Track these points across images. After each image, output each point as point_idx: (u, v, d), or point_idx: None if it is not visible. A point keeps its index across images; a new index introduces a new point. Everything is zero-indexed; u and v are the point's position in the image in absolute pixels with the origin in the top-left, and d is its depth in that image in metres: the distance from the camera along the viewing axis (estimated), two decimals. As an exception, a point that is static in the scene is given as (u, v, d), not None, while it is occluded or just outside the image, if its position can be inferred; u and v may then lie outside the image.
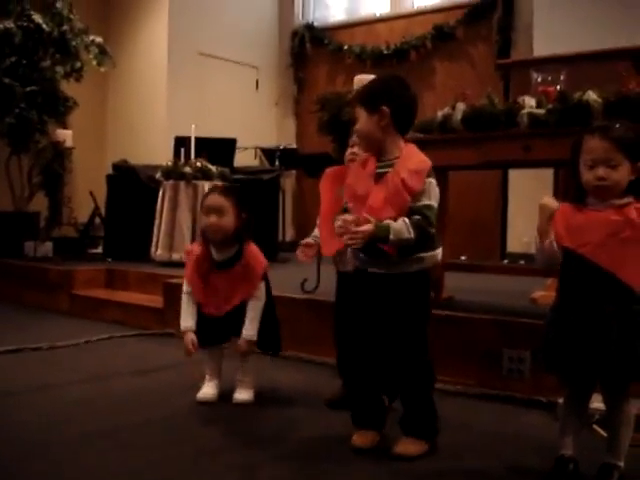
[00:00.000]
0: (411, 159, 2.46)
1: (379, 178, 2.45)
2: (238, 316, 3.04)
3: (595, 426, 2.58)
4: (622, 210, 2.07)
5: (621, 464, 2.15)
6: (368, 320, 2.52)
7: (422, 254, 2.45)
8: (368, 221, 2.36)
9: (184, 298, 3.12)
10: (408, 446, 2.44)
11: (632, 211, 2.05)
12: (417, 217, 2.36)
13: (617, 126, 2.12)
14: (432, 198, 2.42)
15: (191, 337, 3.03)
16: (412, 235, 2.34)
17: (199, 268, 3.08)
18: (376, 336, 2.52)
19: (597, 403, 2.36)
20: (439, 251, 2.53)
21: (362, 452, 2.46)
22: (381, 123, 2.46)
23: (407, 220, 2.35)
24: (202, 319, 3.09)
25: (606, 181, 2.08)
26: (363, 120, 2.50)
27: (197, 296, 3.09)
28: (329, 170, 2.98)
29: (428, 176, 2.43)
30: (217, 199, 3.04)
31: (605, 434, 2.30)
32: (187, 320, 3.09)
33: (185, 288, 3.13)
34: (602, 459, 2.17)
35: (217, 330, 3.08)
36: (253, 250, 3.10)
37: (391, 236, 2.34)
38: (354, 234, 2.34)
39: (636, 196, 2.10)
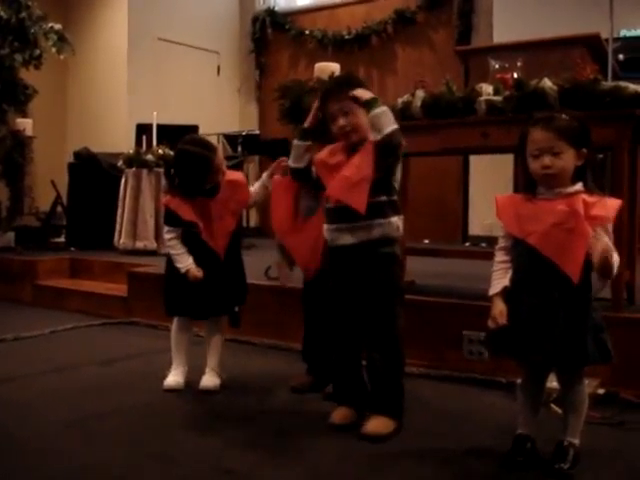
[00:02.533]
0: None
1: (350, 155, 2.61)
2: (226, 289, 3.10)
3: (552, 405, 2.65)
4: (570, 200, 2.14)
5: (576, 442, 2.22)
6: (341, 298, 2.63)
7: (382, 220, 2.56)
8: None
9: (173, 244, 3.10)
10: (377, 425, 2.51)
11: (579, 202, 2.12)
12: None
13: (559, 116, 2.20)
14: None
15: (195, 271, 3.04)
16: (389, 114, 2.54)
17: (186, 202, 3.07)
18: (350, 314, 2.62)
19: (554, 383, 2.43)
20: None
21: (339, 429, 2.54)
22: None
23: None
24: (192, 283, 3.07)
25: (551, 169, 2.15)
26: (359, 116, 2.58)
27: (191, 217, 3.06)
28: (278, 180, 3.09)
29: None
30: (219, 156, 3.12)
31: (562, 412, 2.37)
32: (186, 260, 3.06)
33: (168, 236, 3.12)
34: (559, 437, 2.24)
35: (207, 298, 3.08)
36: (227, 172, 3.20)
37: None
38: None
39: (585, 181, 2.18)
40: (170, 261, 3.15)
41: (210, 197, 3.08)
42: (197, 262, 3.06)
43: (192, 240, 3.08)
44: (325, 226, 2.68)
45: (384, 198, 2.58)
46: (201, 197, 3.07)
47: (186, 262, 3.06)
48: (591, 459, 2.25)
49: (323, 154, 2.70)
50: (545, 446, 2.26)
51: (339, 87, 2.65)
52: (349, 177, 2.54)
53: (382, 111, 2.51)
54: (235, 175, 3.24)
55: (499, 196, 2.33)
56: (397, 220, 2.61)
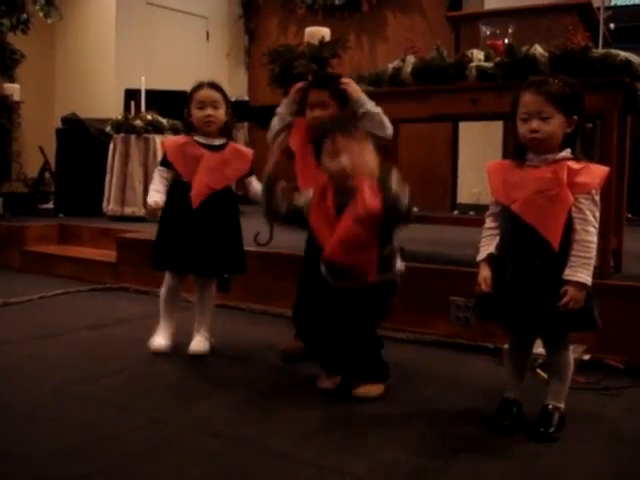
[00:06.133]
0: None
1: (341, 210, 2.47)
2: (218, 248, 3.07)
3: (538, 370, 2.68)
4: (555, 167, 2.14)
5: (561, 406, 2.26)
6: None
7: (389, 273, 2.52)
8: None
9: (155, 176, 3.14)
10: (368, 388, 2.54)
11: (563, 169, 2.12)
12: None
13: (552, 80, 2.19)
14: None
15: (153, 205, 3.06)
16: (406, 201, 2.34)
17: (187, 151, 3.08)
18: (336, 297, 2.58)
19: (540, 348, 2.45)
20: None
21: (326, 393, 2.58)
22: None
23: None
24: (184, 239, 3.06)
25: (538, 133, 2.14)
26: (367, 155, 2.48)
27: (187, 173, 3.07)
28: (298, 121, 3.00)
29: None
30: (211, 93, 3.08)
31: (547, 377, 2.40)
32: (157, 194, 3.09)
33: (160, 168, 3.14)
34: (544, 401, 2.27)
35: (196, 254, 3.05)
36: (237, 144, 3.22)
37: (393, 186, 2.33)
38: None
39: (573, 149, 2.18)
40: (163, 217, 3.15)
41: (210, 150, 3.08)
42: (182, 214, 3.05)
43: (181, 191, 3.06)
44: (323, 267, 2.57)
45: (389, 249, 2.51)
46: (202, 147, 3.07)
47: (155, 195, 3.07)
48: (575, 423, 2.28)
49: (315, 211, 2.53)
50: (531, 410, 2.29)
51: (350, 125, 2.54)
52: (348, 241, 2.42)
53: (403, 194, 2.33)
54: (244, 147, 3.27)
55: (489, 162, 2.34)
56: (401, 264, 2.58)
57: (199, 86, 3.11)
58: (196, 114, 3.07)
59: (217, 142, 3.12)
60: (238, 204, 3.22)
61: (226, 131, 3.17)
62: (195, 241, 3.04)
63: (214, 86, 3.11)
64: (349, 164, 2.42)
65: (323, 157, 2.50)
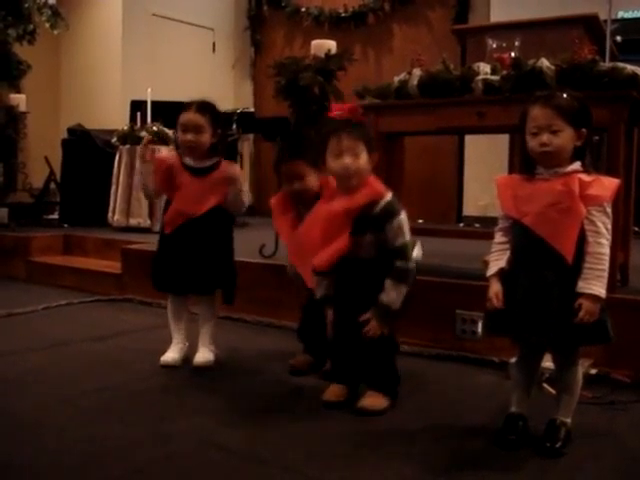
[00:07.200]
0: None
1: None
2: (205, 267, 3.05)
3: (545, 384, 2.66)
4: (566, 179, 2.13)
5: (568, 421, 2.24)
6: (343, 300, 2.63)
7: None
8: None
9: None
10: (373, 401, 2.53)
11: (575, 181, 2.11)
12: (397, 264, 2.49)
13: (559, 94, 2.19)
14: (406, 234, 2.52)
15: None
16: (404, 286, 2.50)
17: (172, 176, 3.07)
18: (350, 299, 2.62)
19: (547, 362, 2.44)
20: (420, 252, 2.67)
21: (331, 406, 2.56)
22: (372, 165, 2.56)
23: (389, 281, 2.48)
24: (170, 257, 3.08)
25: (549, 147, 2.14)
26: (364, 158, 2.51)
27: (170, 195, 3.08)
28: (274, 200, 3.00)
29: (398, 214, 2.51)
30: (194, 117, 3.01)
31: (554, 392, 2.38)
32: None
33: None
34: (551, 416, 2.25)
35: (183, 273, 3.05)
36: (228, 164, 3.13)
37: (393, 307, 2.49)
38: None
39: (583, 162, 2.17)
40: (161, 238, 3.15)
41: (196, 175, 3.05)
42: (174, 235, 3.05)
43: None
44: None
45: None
46: (186, 172, 3.06)
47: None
48: (582, 438, 2.26)
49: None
50: (537, 425, 2.27)
51: (355, 128, 2.57)
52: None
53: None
54: (233, 170, 3.11)
55: (499, 177, 2.33)
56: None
57: (186, 107, 3.05)
58: (180, 136, 3.06)
59: (207, 163, 3.07)
60: (230, 224, 3.20)
61: (216, 151, 3.10)
62: (183, 262, 3.04)
63: (201, 109, 3.03)
64: (351, 163, 2.48)
65: (327, 157, 2.54)
